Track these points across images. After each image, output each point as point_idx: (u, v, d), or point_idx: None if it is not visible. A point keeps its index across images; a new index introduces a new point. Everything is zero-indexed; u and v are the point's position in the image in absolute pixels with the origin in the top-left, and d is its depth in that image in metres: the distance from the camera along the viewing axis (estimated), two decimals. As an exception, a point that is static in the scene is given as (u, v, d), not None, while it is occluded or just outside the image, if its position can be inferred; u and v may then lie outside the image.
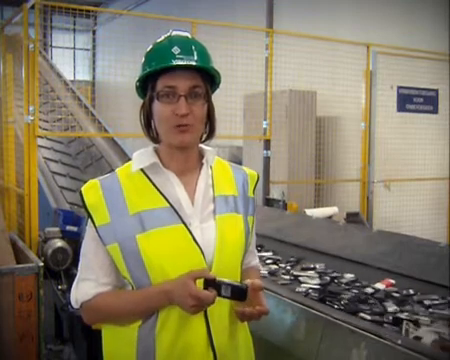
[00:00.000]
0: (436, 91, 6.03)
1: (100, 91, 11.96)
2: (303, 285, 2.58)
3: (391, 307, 2.23)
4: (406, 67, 5.71)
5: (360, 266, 2.90)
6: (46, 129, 6.36)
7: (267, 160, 5.47)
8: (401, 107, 5.85)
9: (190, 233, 1.33)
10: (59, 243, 3.99)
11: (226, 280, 1.26)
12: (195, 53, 1.33)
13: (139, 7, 12.53)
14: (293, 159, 6.47)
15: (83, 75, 14.87)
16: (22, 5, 4.12)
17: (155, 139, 1.42)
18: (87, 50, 14.97)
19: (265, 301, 1.36)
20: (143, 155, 1.40)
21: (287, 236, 3.63)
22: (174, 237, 1.32)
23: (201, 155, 1.45)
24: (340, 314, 2.07)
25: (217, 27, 5.71)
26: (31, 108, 4.09)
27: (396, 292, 2.47)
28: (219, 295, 1.24)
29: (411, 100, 5.91)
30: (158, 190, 1.36)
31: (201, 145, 1.45)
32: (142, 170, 1.39)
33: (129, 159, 1.49)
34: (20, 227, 4.40)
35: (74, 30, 14.32)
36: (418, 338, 1.89)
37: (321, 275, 2.75)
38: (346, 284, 2.61)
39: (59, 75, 7.94)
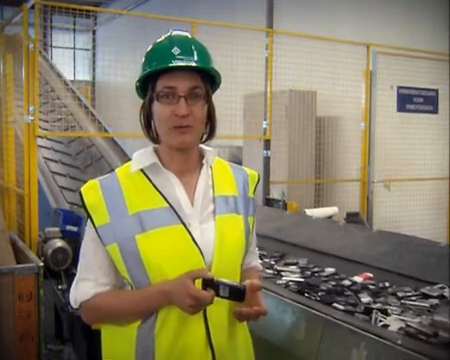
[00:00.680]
0: (436, 91, 6.02)
1: (100, 91, 11.95)
2: (284, 278, 2.65)
3: (365, 298, 2.29)
4: (406, 67, 5.71)
5: (360, 266, 2.89)
6: (46, 129, 6.35)
7: (267, 160, 5.47)
8: (401, 107, 5.84)
9: (189, 233, 1.33)
10: (59, 243, 3.99)
11: (224, 280, 1.25)
12: (195, 53, 1.33)
13: (139, 7, 12.51)
14: (293, 159, 6.47)
15: (83, 75, 14.86)
16: (22, 5, 4.12)
17: (155, 139, 1.42)
18: (87, 50, 14.96)
19: (263, 301, 1.35)
20: (143, 155, 1.40)
21: (287, 236, 3.62)
22: (173, 237, 1.32)
23: (201, 155, 1.45)
24: (340, 314, 2.07)
25: (217, 27, 5.71)
26: (31, 108, 4.09)
27: (372, 285, 2.53)
28: (217, 295, 1.24)
29: (411, 100, 5.91)
30: (158, 190, 1.36)
31: (201, 145, 1.45)
32: (142, 170, 1.39)
33: (129, 159, 1.49)
34: (20, 227, 4.39)
35: (74, 30, 14.31)
36: (386, 326, 1.97)
37: (303, 270, 2.81)
38: (325, 277, 2.68)
39: (59, 75, 7.93)
